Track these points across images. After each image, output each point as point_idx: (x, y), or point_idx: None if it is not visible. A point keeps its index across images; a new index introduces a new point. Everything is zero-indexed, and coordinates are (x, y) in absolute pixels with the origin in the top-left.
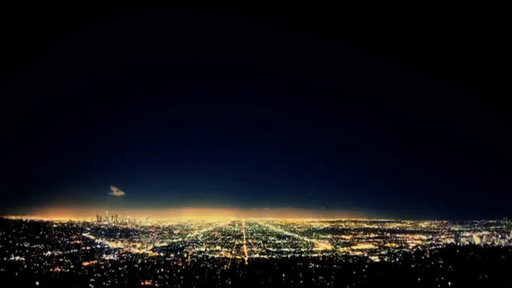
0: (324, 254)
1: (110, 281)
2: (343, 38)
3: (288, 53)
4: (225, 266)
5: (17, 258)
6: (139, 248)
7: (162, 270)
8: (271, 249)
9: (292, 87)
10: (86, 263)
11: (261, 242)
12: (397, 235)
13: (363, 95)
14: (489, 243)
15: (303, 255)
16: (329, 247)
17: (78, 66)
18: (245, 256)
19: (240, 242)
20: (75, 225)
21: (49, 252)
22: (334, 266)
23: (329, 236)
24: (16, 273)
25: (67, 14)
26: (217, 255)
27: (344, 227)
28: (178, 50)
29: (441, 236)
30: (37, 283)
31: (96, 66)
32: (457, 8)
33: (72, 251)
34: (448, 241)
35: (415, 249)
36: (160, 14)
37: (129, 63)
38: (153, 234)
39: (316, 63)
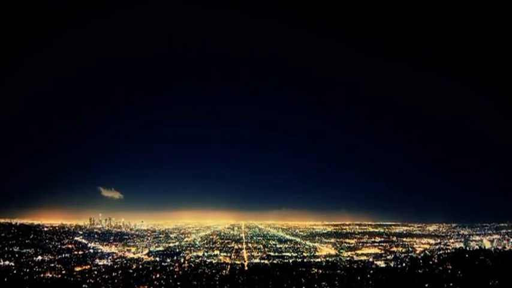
0: (327, 258)
1: (103, 287)
2: (347, 38)
3: (291, 52)
4: (224, 271)
5: (6, 263)
6: (134, 253)
7: (158, 275)
8: (272, 253)
9: (293, 87)
10: (78, 268)
11: (261, 246)
12: (404, 239)
13: (367, 95)
14: (500, 247)
15: (305, 260)
16: (332, 251)
17: (72, 65)
18: (245, 261)
19: (240, 246)
20: (67, 229)
21: (40, 257)
22: (338, 271)
23: (332, 240)
24: (5, 279)
25: (57, 12)
26: (216, 260)
27: (348, 231)
28: (177, 49)
29: (450, 240)
30: None
31: (93, 65)
32: (462, 8)
33: (63, 255)
34: (457, 245)
35: (422, 254)
36: (159, 11)
37: (129, 62)
38: (149, 238)
39: (319, 63)
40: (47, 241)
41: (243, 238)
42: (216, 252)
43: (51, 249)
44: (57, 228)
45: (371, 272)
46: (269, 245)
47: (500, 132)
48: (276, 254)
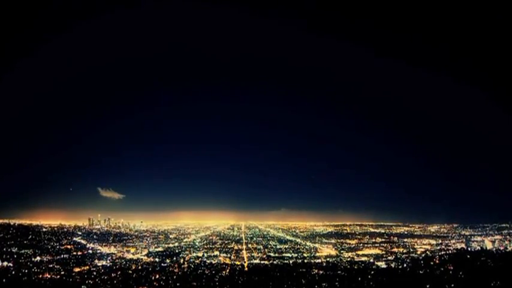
0: (328, 259)
1: None
2: (349, 37)
3: (290, 52)
4: (224, 272)
5: (5, 264)
6: (133, 253)
7: (157, 276)
8: (272, 254)
9: (293, 86)
10: (77, 269)
11: (261, 246)
12: (405, 240)
13: (368, 94)
14: (502, 248)
15: (305, 260)
16: (333, 252)
17: (72, 65)
18: (245, 261)
19: (240, 246)
20: (65, 229)
21: (38, 258)
22: (339, 272)
23: (333, 241)
24: (4, 280)
25: (56, 11)
26: (216, 261)
27: (349, 231)
28: (177, 49)
29: (451, 241)
30: None
31: (93, 64)
32: (466, 7)
33: (62, 256)
34: (459, 246)
35: (423, 255)
36: (159, 11)
37: (129, 62)
38: (148, 238)
39: (318, 62)
40: (45, 242)
41: (243, 239)
42: (216, 252)
43: (50, 249)
44: (55, 228)
45: (372, 272)
46: (269, 246)
47: (501, 132)
48: (276, 254)
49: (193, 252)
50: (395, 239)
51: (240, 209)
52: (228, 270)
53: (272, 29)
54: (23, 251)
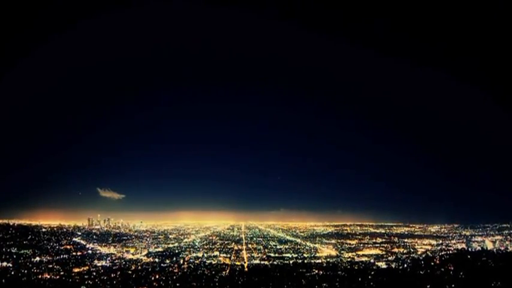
0: (328, 259)
1: None
2: (349, 37)
3: (289, 52)
4: (224, 272)
5: (4, 264)
6: (133, 254)
7: (157, 276)
8: (272, 254)
9: (292, 86)
10: (76, 269)
11: (261, 247)
12: (405, 240)
13: (368, 94)
14: (502, 248)
15: (305, 261)
16: (333, 252)
17: (71, 64)
18: (245, 262)
19: (240, 247)
20: (65, 230)
21: (38, 258)
22: (339, 272)
23: (333, 241)
24: (3, 280)
25: (56, 11)
26: (215, 261)
27: (349, 231)
28: (177, 49)
29: (452, 241)
30: None
31: (93, 64)
32: (466, 7)
33: (62, 256)
34: (459, 246)
35: (424, 255)
36: (159, 11)
37: (129, 62)
38: (148, 238)
39: (318, 62)
40: (45, 242)
41: (243, 239)
42: (216, 253)
43: (50, 250)
44: (55, 229)
45: (372, 273)
46: (269, 246)
47: (502, 132)
48: (276, 254)
49: (193, 252)
50: (396, 239)
51: (240, 209)
52: (228, 271)
53: (271, 29)
54: (22, 251)
